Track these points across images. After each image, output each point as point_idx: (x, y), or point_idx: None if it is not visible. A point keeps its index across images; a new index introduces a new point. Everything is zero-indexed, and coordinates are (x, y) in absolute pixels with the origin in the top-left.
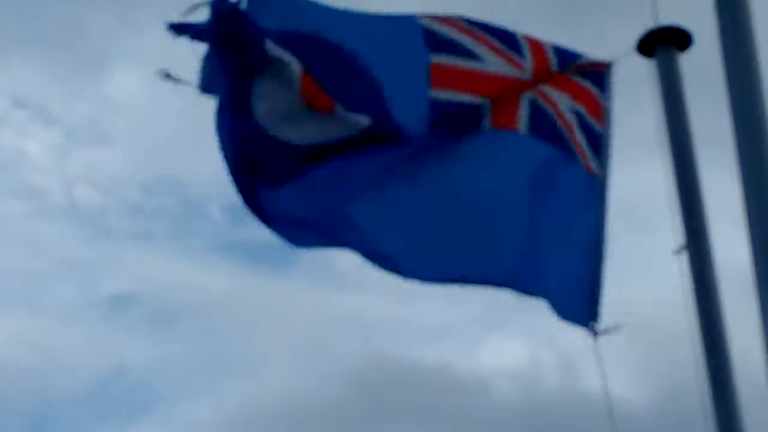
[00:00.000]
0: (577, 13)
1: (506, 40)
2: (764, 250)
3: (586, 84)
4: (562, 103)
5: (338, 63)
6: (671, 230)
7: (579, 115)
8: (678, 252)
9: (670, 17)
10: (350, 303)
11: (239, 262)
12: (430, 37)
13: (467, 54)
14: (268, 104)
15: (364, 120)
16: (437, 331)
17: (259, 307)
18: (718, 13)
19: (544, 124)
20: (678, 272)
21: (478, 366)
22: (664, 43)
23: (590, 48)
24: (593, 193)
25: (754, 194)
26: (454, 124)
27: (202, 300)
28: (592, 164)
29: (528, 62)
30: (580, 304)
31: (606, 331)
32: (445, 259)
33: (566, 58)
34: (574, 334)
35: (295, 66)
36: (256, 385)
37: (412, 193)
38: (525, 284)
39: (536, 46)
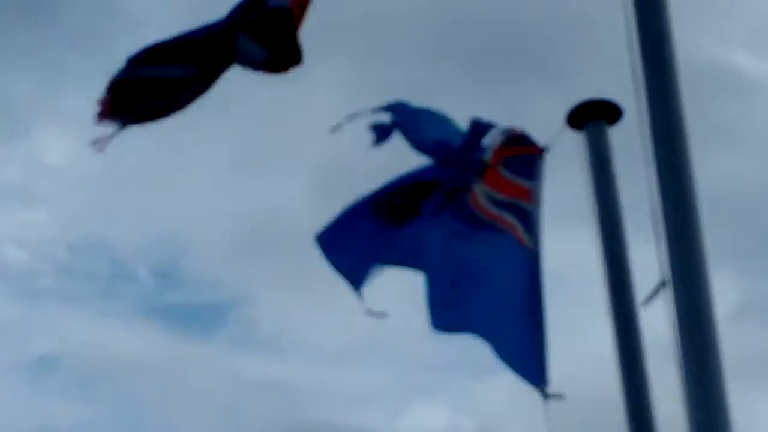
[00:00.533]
0: (508, 86)
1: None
2: (688, 319)
3: (510, 176)
4: (484, 195)
5: None
6: (601, 299)
7: (502, 202)
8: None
9: (601, 91)
10: (273, 369)
11: (165, 325)
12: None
13: None
14: None
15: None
16: (359, 397)
17: (183, 371)
18: (647, 87)
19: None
20: (606, 340)
21: (400, 431)
22: (593, 117)
23: (520, 121)
24: (528, 264)
25: (680, 265)
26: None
27: (127, 363)
28: (524, 237)
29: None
30: (531, 367)
31: (554, 396)
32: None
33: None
34: (493, 402)
35: None
36: None
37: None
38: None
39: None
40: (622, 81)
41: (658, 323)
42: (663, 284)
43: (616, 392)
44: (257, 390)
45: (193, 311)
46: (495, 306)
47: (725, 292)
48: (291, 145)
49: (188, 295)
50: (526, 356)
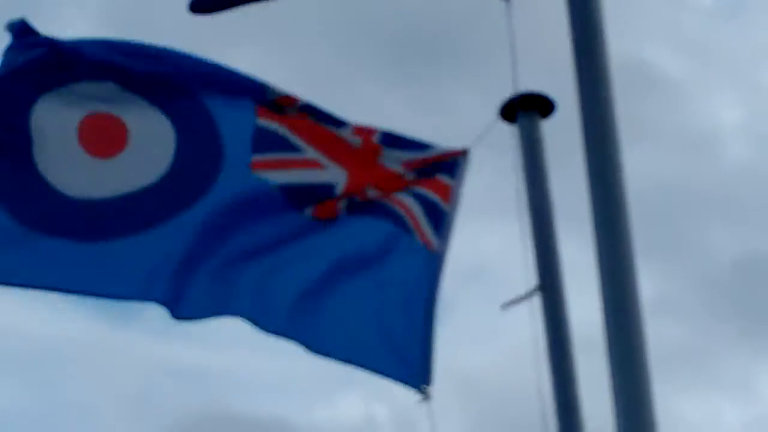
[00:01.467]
0: (442, 77)
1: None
2: (616, 316)
3: (434, 173)
4: (403, 196)
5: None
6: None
7: (418, 195)
8: (510, 305)
9: (537, 84)
10: (191, 356)
11: (82, 310)
12: (258, 137)
13: (290, 148)
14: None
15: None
16: (274, 385)
17: (101, 358)
18: (578, 80)
19: (372, 205)
20: (531, 334)
21: (315, 421)
22: (526, 110)
23: (454, 113)
24: (428, 265)
25: (608, 260)
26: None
27: (43, 347)
28: (432, 239)
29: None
30: (413, 368)
31: (427, 396)
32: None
33: (405, 144)
34: (408, 391)
35: (75, 112)
36: None
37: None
38: (353, 355)
39: (364, 132)
40: (548, 75)
41: (588, 317)
42: (533, 291)
43: (539, 385)
44: (174, 378)
45: None
46: (376, 305)
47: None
48: None
49: None
50: (407, 357)
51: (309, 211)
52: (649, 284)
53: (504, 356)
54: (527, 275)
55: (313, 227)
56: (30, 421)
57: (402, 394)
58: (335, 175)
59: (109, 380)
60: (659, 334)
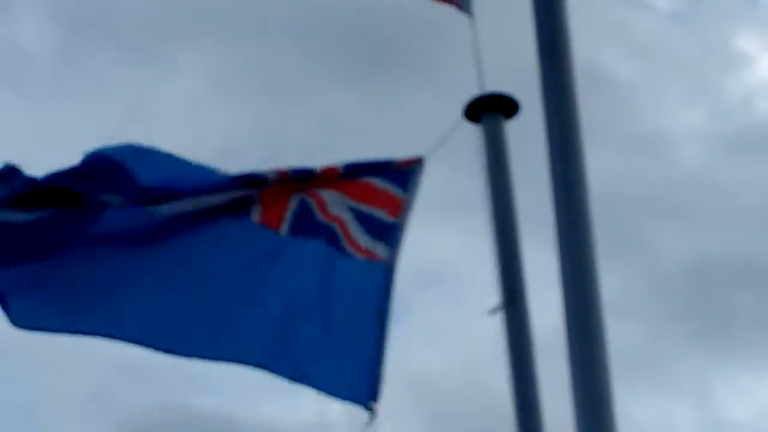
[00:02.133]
0: (403, 79)
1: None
2: (577, 317)
3: (380, 183)
4: (333, 200)
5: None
6: (491, 293)
7: (355, 210)
8: (493, 312)
9: (501, 85)
10: (128, 350)
11: None
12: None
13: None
14: None
15: None
16: (223, 381)
17: (44, 355)
18: (543, 82)
19: (308, 223)
20: (491, 336)
21: (265, 418)
22: (490, 110)
23: (416, 114)
24: (373, 276)
25: (570, 261)
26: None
27: None
28: (376, 251)
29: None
30: (361, 384)
31: (374, 412)
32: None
33: (363, 169)
34: None
35: None
36: None
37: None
38: (293, 371)
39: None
40: (512, 77)
41: (549, 321)
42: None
43: (499, 386)
44: (125, 374)
45: None
46: (319, 323)
47: None
48: (155, 126)
49: None
50: (354, 374)
51: (255, 217)
52: (603, 286)
53: (462, 358)
54: (488, 277)
55: (258, 235)
56: None
57: None
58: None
59: (57, 379)
60: (614, 335)
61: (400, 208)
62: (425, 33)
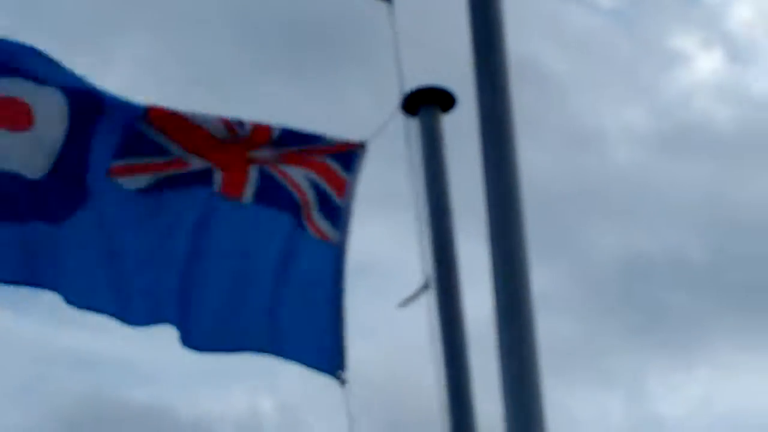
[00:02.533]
0: (338, 70)
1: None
2: (508, 310)
3: (330, 163)
4: (297, 174)
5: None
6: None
7: (316, 186)
8: (404, 304)
9: (440, 78)
10: (67, 339)
11: None
12: (128, 141)
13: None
14: None
15: (57, 141)
16: (159, 372)
17: None
18: (476, 75)
19: (272, 192)
20: (420, 330)
21: (199, 411)
22: (427, 103)
23: (352, 106)
24: (327, 257)
25: (501, 255)
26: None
27: None
28: (328, 232)
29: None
30: (326, 355)
31: (344, 381)
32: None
33: (302, 139)
34: (295, 384)
35: None
36: None
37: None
38: (270, 346)
39: (261, 127)
40: (446, 69)
41: (480, 313)
42: (426, 287)
43: (428, 379)
44: (52, 362)
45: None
46: (283, 297)
47: None
48: None
49: None
50: (319, 345)
51: (216, 187)
52: (536, 280)
53: (392, 351)
54: (419, 270)
55: (219, 205)
56: None
57: (287, 388)
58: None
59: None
60: (546, 330)
61: (345, 189)
62: (363, 24)
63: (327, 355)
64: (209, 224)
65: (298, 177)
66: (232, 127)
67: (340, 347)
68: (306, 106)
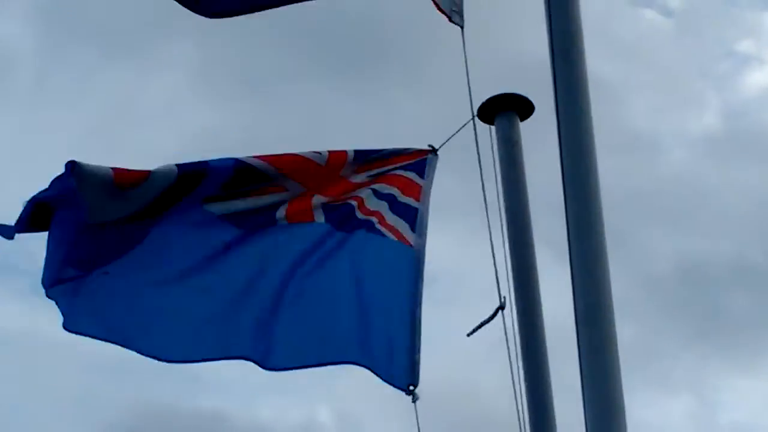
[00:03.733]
0: (425, 75)
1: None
2: (588, 315)
3: (402, 173)
4: (363, 192)
5: None
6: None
7: (386, 196)
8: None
9: (515, 86)
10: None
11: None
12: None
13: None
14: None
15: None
16: (216, 381)
17: (27, 355)
18: (555, 84)
19: (347, 219)
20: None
21: (257, 420)
22: (504, 110)
23: (433, 113)
24: (408, 263)
25: (581, 259)
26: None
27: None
28: (406, 234)
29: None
30: (399, 368)
31: (416, 397)
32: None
33: (375, 154)
34: (355, 393)
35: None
36: None
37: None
38: (353, 355)
39: (337, 153)
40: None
41: (561, 319)
42: (495, 313)
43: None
44: (112, 372)
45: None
46: (363, 307)
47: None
48: (138, 123)
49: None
50: (394, 358)
51: (282, 214)
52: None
53: (469, 360)
54: (491, 278)
55: (284, 230)
56: None
57: (345, 397)
58: (290, 190)
59: (41, 377)
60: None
61: (420, 194)
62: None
63: (400, 369)
64: (285, 248)
65: (363, 194)
66: (311, 158)
67: (414, 361)
68: (361, 111)
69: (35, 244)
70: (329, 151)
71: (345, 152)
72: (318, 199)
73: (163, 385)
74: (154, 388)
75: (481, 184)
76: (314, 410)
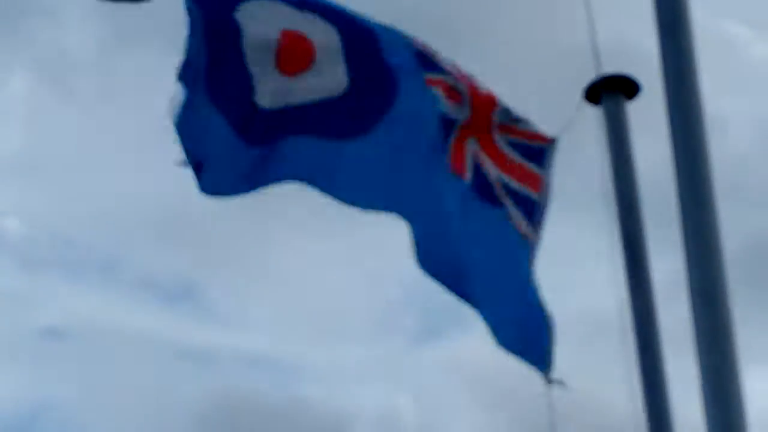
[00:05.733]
0: (527, 60)
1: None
2: (703, 304)
3: (521, 160)
4: (494, 173)
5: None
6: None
7: (508, 186)
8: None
9: (622, 66)
10: (202, 336)
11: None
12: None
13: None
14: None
15: (340, 83)
16: (295, 369)
17: (116, 341)
18: (663, 62)
19: (485, 186)
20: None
21: (338, 407)
22: (611, 91)
23: (539, 95)
24: (526, 255)
25: (695, 240)
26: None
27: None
28: (526, 229)
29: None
30: (539, 353)
31: (559, 382)
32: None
33: (508, 114)
34: (433, 379)
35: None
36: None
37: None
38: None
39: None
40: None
41: (676, 313)
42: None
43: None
44: (188, 361)
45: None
46: (497, 287)
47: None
48: None
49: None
50: (530, 341)
51: (447, 160)
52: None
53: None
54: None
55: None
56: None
57: (426, 386)
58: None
59: (123, 370)
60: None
61: (540, 185)
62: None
63: (540, 353)
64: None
65: (494, 175)
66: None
67: (550, 346)
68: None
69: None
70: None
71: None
72: (471, 146)
73: (243, 373)
74: (235, 378)
75: (585, 168)
76: (395, 398)
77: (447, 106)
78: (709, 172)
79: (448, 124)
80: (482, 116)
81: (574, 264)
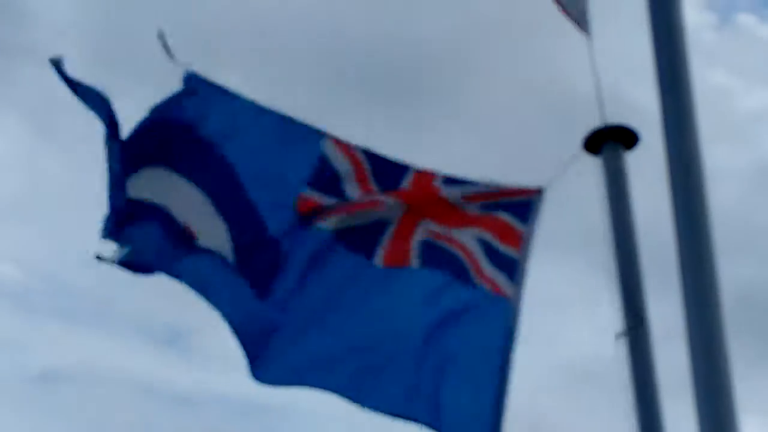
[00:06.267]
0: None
1: (387, 175)
2: (702, 351)
3: (502, 216)
4: (464, 236)
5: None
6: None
7: (485, 243)
8: (619, 337)
9: (620, 117)
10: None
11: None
12: (319, 170)
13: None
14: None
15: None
16: (284, 415)
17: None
18: (663, 113)
19: (438, 256)
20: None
21: None
22: (610, 141)
23: (538, 147)
24: (500, 315)
25: (693, 290)
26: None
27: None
28: (503, 286)
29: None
30: (483, 425)
31: None
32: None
33: (464, 183)
34: None
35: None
36: None
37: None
38: (418, 413)
39: (424, 178)
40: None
41: (673, 356)
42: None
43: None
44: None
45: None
46: (444, 361)
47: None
48: None
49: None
50: (477, 415)
51: (378, 260)
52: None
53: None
54: (603, 310)
55: (381, 277)
56: None
57: None
58: (392, 210)
59: (111, 408)
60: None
61: (521, 242)
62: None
63: (483, 425)
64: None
65: (464, 238)
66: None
67: (500, 417)
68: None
69: None
70: (415, 173)
71: (433, 176)
72: (423, 228)
73: (234, 421)
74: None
75: (581, 218)
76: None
77: (368, 215)
78: (708, 227)
79: (378, 228)
80: (426, 200)
81: (570, 311)
